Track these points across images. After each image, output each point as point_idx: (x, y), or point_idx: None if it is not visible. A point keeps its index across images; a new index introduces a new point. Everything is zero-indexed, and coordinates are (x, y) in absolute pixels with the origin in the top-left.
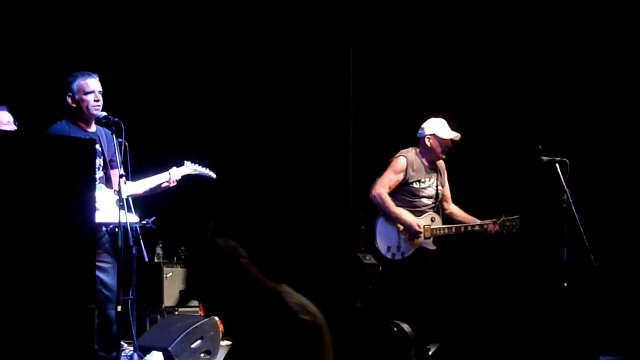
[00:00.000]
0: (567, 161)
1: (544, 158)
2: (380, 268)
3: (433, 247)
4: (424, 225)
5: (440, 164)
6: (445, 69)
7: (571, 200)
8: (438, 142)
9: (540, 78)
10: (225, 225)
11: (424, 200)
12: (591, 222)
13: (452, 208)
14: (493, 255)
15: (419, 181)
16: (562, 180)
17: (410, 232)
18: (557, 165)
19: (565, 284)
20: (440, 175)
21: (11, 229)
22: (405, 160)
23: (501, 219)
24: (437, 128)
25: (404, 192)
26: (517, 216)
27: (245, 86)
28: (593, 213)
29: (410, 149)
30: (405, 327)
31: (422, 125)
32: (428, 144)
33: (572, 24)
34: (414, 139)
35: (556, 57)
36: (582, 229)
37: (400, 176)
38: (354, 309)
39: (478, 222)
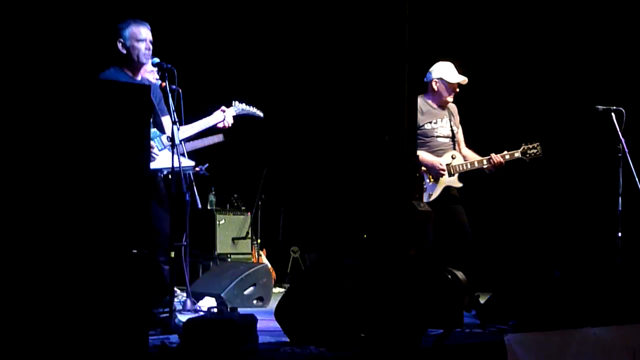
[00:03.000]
0: (623, 110)
1: (600, 107)
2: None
3: (459, 185)
4: (446, 164)
5: (452, 106)
6: (501, 18)
7: (627, 150)
8: (445, 85)
9: (596, 26)
10: (278, 173)
11: (439, 139)
12: None
13: (465, 151)
14: (548, 205)
15: (431, 122)
16: (618, 129)
17: (433, 172)
18: (612, 114)
19: (620, 234)
20: (453, 116)
21: (68, 174)
22: None
23: (521, 148)
24: (444, 72)
25: (419, 136)
26: (537, 143)
27: (297, 29)
28: None
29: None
30: (460, 274)
31: (430, 69)
32: (435, 87)
33: None
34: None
35: (614, 5)
36: (637, 179)
37: None
38: (408, 256)
39: (485, 157)
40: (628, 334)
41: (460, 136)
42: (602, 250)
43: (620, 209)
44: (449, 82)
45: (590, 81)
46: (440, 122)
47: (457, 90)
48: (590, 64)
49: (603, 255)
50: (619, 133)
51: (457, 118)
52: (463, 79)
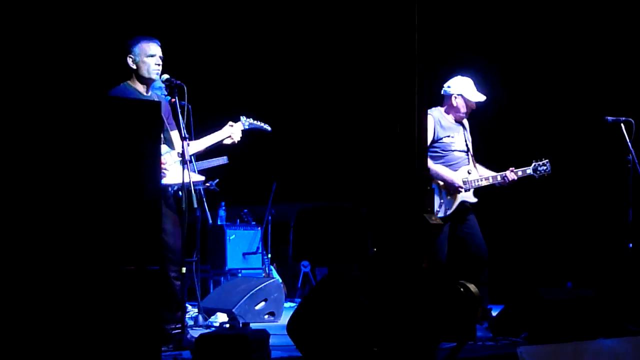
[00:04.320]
0: (633, 121)
1: (609, 118)
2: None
3: (474, 200)
4: (462, 179)
5: (464, 120)
6: (509, 28)
7: (636, 161)
8: (465, 102)
9: (606, 36)
10: (288, 187)
11: (456, 154)
12: None
13: (477, 166)
14: (559, 216)
15: (449, 136)
16: (627, 140)
17: (452, 188)
18: (622, 125)
19: (631, 245)
20: (466, 130)
21: (79, 190)
22: (432, 118)
23: (532, 164)
24: (464, 88)
25: (436, 149)
26: (547, 160)
27: (304, 39)
28: None
29: (434, 108)
30: (472, 287)
31: (449, 83)
32: (454, 103)
33: None
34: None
35: (623, 14)
36: None
37: (430, 134)
38: (420, 270)
39: (499, 174)
40: None
41: (471, 150)
42: (613, 261)
43: (630, 219)
44: (468, 100)
45: (600, 92)
46: (457, 137)
47: (474, 107)
48: (600, 75)
49: (615, 266)
50: (629, 144)
51: (469, 132)
52: (483, 98)
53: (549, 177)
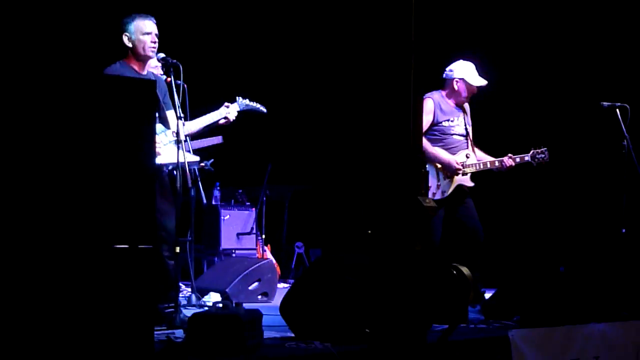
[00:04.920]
0: (628, 107)
1: (604, 103)
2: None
3: (471, 184)
4: (460, 162)
5: (465, 105)
6: (504, 16)
7: (631, 147)
8: (465, 86)
9: (600, 23)
10: (283, 168)
11: (455, 137)
12: None
13: (475, 151)
14: (553, 201)
15: (448, 120)
16: (622, 126)
17: (450, 170)
18: (617, 110)
19: (624, 230)
20: (466, 115)
21: (73, 169)
22: (432, 101)
23: (531, 152)
24: (466, 73)
25: (435, 132)
26: (545, 148)
27: (300, 20)
28: None
29: (435, 91)
30: (465, 270)
31: (451, 67)
32: (456, 87)
33: None
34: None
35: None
36: None
37: (430, 117)
38: (414, 252)
39: (497, 159)
40: (633, 331)
41: (470, 135)
42: (606, 246)
43: (624, 204)
44: (469, 84)
45: (595, 78)
46: (457, 121)
47: (476, 92)
48: (595, 60)
49: (608, 251)
50: (624, 129)
51: (469, 117)
52: (484, 83)
53: (545, 163)
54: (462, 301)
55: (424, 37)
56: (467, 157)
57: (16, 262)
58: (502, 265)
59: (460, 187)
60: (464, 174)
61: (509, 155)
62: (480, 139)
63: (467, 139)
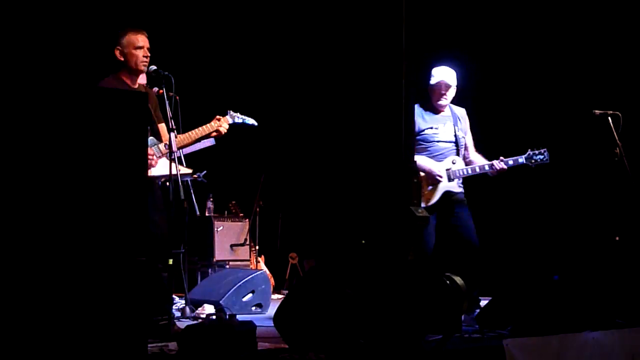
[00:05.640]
0: (620, 114)
1: (597, 111)
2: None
3: (459, 189)
4: (445, 169)
5: (459, 111)
6: (495, 22)
7: (623, 154)
8: (431, 90)
9: (593, 30)
10: (276, 179)
11: (440, 144)
12: None
13: (473, 156)
14: (546, 208)
15: (432, 127)
16: (615, 133)
17: (430, 177)
18: (609, 118)
19: (617, 238)
20: (460, 121)
21: (66, 181)
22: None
23: (527, 153)
24: (431, 78)
25: (419, 142)
26: (544, 149)
27: (291, 32)
28: None
29: (419, 102)
30: (458, 280)
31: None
32: (430, 94)
33: None
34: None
35: (610, 6)
36: (634, 183)
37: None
38: (407, 262)
39: (487, 162)
40: (627, 338)
41: (469, 141)
42: (600, 254)
43: (618, 212)
44: (430, 85)
45: (587, 85)
46: (443, 128)
47: (444, 92)
48: (588, 68)
49: (601, 259)
50: (616, 137)
51: (465, 123)
52: (436, 79)
53: (536, 170)
54: (456, 311)
55: (416, 51)
56: (454, 163)
57: (9, 274)
58: (496, 274)
59: (449, 194)
60: (449, 180)
61: (500, 158)
62: (476, 146)
63: (456, 146)
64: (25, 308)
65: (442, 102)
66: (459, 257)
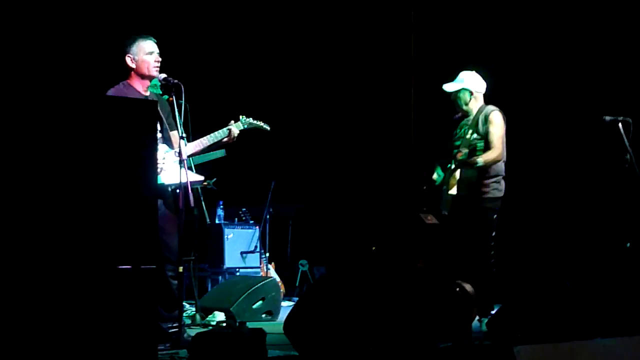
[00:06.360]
0: (630, 120)
1: (607, 117)
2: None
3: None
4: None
5: (480, 116)
6: (505, 28)
7: (634, 160)
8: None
9: (604, 35)
10: (286, 186)
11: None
12: None
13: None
14: (557, 215)
15: (453, 135)
16: (625, 140)
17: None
18: (619, 124)
19: (629, 244)
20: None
21: (76, 188)
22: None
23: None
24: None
25: None
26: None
27: (303, 39)
28: None
29: None
30: (468, 287)
31: None
32: None
33: None
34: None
35: (621, 12)
36: None
37: None
38: (416, 269)
39: None
40: (638, 345)
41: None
42: (611, 260)
43: (629, 218)
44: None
45: (598, 91)
46: (460, 132)
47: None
48: (598, 74)
49: (612, 265)
50: (627, 143)
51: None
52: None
53: (549, 175)
54: (466, 318)
55: (425, 59)
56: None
57: (20, 282)
58: (506, 280)
59: (459, 198)
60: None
61: None
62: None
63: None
64: (37, 315)
65: (459, 111)
66: (470, 264)
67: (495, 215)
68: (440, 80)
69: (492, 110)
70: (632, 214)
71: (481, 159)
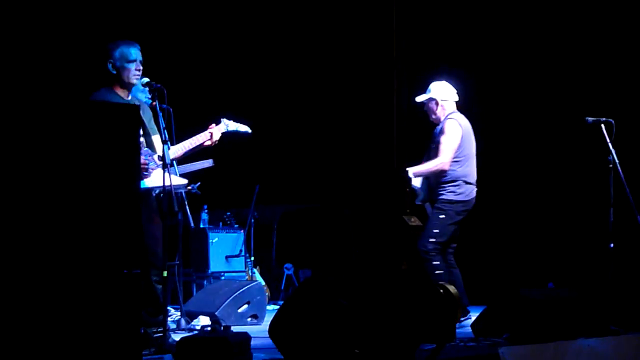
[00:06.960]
0: (613, 122)
1: (589, 119)
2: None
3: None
4: None
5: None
6: (487, 30)
7: (617, 161)
8: None
9: (585, 37)
10: (270, 189)
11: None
12: (637, 182)
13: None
14: (540, 217)
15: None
16: (608, 141)
17: None
18: (602, 125)
19: (612, 245)
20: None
21: (59, 194)
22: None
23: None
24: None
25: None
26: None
27: (285, 41)
28: (639, 174)
29: None
30: (452, 288)
31: None
32: None
33: None
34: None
35: (602, 14)
36: (628, 190)
37: None
38: (400, 271)
39: None
40: (622, 345)
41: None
42: (594, 262)
43: (612, 219)
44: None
45: (580, 93)
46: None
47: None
48: (580, 75)
49: (595, 266)
50: (609, 144)
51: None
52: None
53: (532, 177)
54: (450, 319)
55: (407, 60)
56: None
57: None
58: (490, 282)
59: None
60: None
61: None
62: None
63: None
64: (18, 320)
65: (430, 116)
66: None
67: (443, 216)
68: (423, 82)
69: (448, 120)
70: (615, 215)
71: (411, 170)
